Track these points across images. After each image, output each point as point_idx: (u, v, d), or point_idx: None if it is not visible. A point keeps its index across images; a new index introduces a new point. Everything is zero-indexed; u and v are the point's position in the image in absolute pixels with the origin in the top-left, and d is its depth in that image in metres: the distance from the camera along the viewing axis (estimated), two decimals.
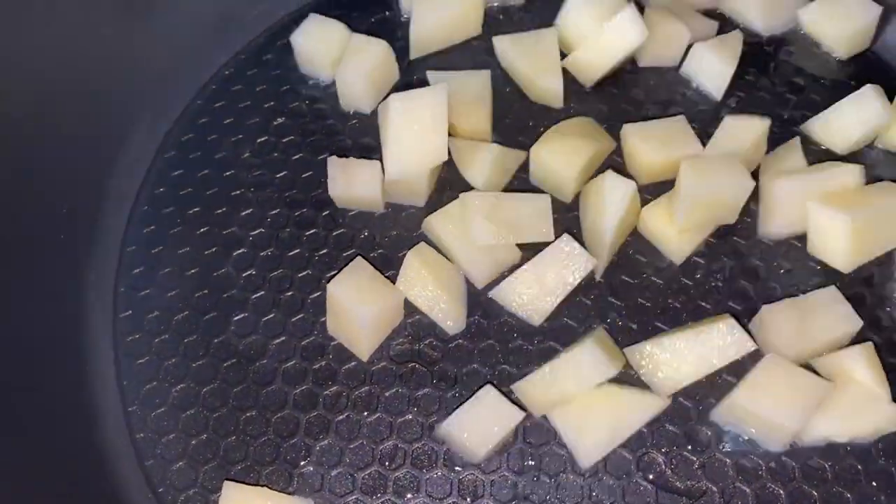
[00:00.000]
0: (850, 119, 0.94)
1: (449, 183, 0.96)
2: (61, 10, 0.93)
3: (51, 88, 0.92)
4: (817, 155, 0.96)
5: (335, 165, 0.93)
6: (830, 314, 0.80)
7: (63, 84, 0.94)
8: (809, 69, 1.05)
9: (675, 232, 0.87)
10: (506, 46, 1.02)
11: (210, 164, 1.01)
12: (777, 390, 0.75)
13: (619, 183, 0.86)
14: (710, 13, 1.09)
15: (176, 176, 1.00)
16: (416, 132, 0.88)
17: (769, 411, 0.75)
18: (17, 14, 0.88)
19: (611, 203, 0.86)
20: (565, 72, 1.02)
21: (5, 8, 0.86)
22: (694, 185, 0.84)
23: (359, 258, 0.88)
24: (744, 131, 0.91)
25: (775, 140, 0.96)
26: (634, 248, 0.91)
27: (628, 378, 0.82)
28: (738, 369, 0.82)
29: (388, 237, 0.94)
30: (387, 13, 1.13)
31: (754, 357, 0.80)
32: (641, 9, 1.02)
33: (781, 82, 1.03)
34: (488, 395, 0.79)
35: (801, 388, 0.75)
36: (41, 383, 0.84)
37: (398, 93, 0.88)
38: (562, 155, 0.91)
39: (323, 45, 1.04)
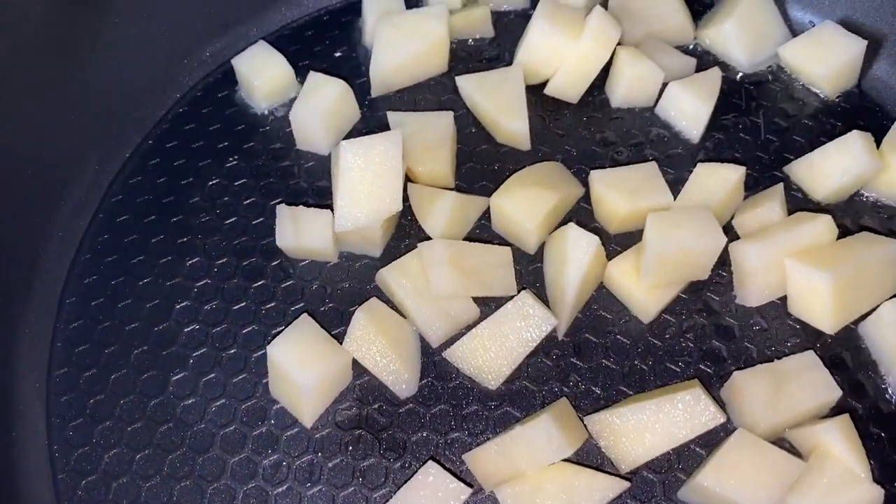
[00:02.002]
0: (834, 166, 0.89)
1: (407, 231, 0.91)
2: (3, 41, 0.89)
3: None
4: (798, 203, 0.91)
5: (284, 215, 0.88)
6: (807, 382, 0.74)
7: (2, 123, 0.89)
8: (792, 109, 0.99)
9: (643, 289, 0.81)
10: (470, 86, 0.97)
11: (157, 209, 0.96)
12: (746, 470, 0.69)
13: (582, 237, 0.81)
14: (688, 50, 1.04)
15: (121, 222, 0.95)
16: (369, 181, 0.83)
17: (738, 494, 0.69)
18: None
19: (574, 258, 0.81)
20: (534, 108, 0.96)
21: None
22: (660, 241, 0.78)
23: (304, 316, 0.83)
24: (717, 181, 0.86)
25: (755, 183, 0.91)
26: (600, 304, 0.85)
27: (589, 447, 0.76)
28: (708, 439, 0.76)
29: (341, 289, 0.89)
30: (350, 50, 1.08)
31: (726, 428, 0.75)
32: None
33: (763, 123, 0.98)
34: (432, 475, 0.73)
35: (772, 468, 0.69)
36: None
37: (350, 139, 0.83)
38: (523, 204, 0.86)
39: (261, 74, 1.01)
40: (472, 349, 0.81)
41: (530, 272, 0.88)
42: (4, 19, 0.89)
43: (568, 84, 0.98)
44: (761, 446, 0.70)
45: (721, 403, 0.78)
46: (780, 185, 0.89)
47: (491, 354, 0.80)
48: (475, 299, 0.84)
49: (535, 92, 1.00)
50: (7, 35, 0.89)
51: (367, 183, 0.83)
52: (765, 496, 0.69)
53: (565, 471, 0.72)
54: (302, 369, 0.77)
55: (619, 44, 0.97)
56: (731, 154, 0.95)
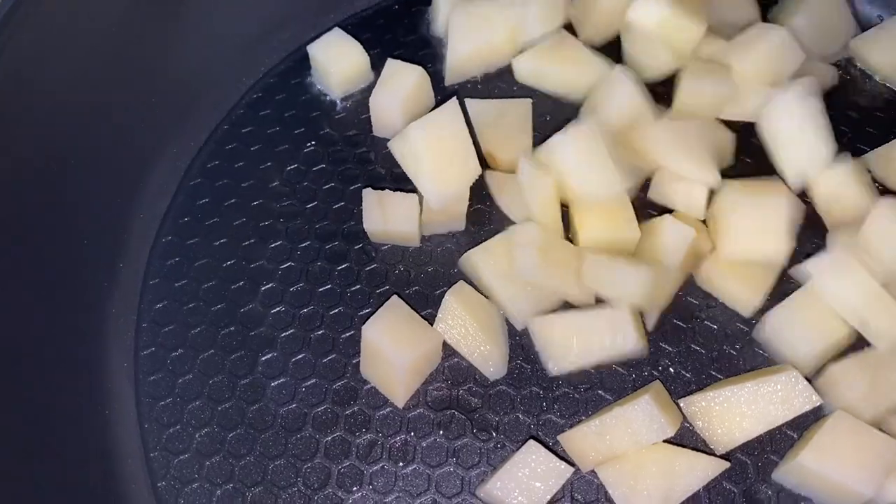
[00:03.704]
0: None
1: (487, 217, 0.92)
2: (86, 36, 0.89)
3: (75, 115, 0.88)
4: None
5: (371, 199, 0.88)
6: None
7: (87, 110, 0.90)
8: (864, 102, 1.00)
9: (741, 285, 0.82)
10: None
11: (237, 193, 0.96)
12: (847, 451, 0.70)
13: (679, 228, 0.81)
14: None
15: (201, 205, 0.96)
16: (447, 154, 0.85)
17: (839, 475, 0.70)
18: (40, 40, 0.83)
19: (671, 250, 0.81)
20: None
21: (31, 35, 0.82)
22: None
23: (395, 297, 0.83)
24: None
25: None
26: (685, 290, 0.86)
27: (683, 429, 0.77)
28: (799, 422, 0.77)
29: (424, 273, 0.89)
30: (420, 38, 1.09)
31: (815, 410, 0.75)
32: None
33: (835, 115, 0.98)
34: (534, 454, 0.73)
35: (873, 450, 0.70)
36: (59, 424, 0.79)
37: (414, 122, 0.84)
38: None
39: (337, 61, 1.01)
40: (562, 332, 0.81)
41: None
42: (89, 9, 0.89)
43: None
44: (862, 428, 0.71)
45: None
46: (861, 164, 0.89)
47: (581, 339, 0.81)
48: None
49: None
50: (90, 24, 0.90)
51: (445, 156, 0.85)
52: (866, 478, 0.69)
53: (665, 451, 0.73)
54: (396, 349, 0.78)
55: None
56: None
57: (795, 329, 0.78)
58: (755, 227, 0.80)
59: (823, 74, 0.99)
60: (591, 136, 0.82)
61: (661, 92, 0.97)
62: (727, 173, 0.88)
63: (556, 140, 0.84)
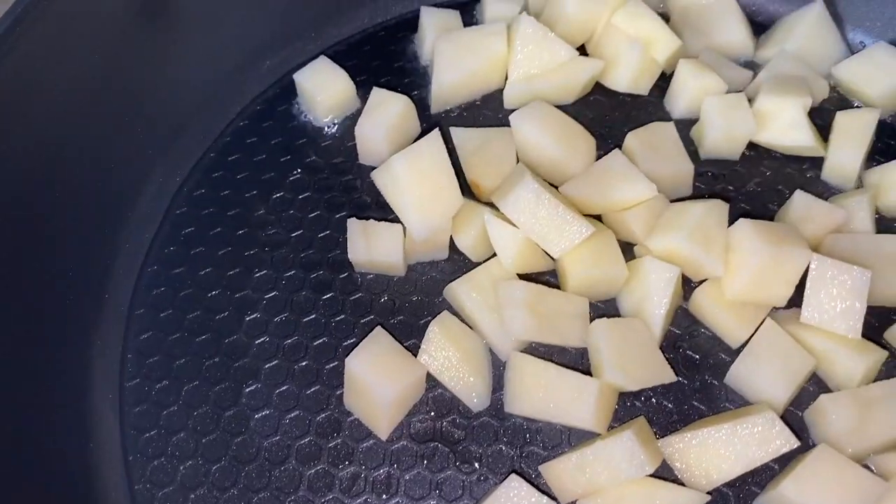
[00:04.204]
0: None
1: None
2: (70, 64, 0.89)
3: (60, 144, 0.88)
4: None
5: (355, 230, 0.89)
6: (894, 409, 0.75)
7: (71, 139, 0.90)
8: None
9: (733, 315, 0.82)
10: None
11: (223, 222, 0.97)
12: (828, 485, 0.70)
13: (662, 268, 0.82)
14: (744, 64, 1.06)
15: (187, 234, 0.96)
16: (429, 185, 0.85)
17: None
18: (24, 70, 0.84)
19: (657, 291, 0.82)
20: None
21: (14, 64, 0.82)
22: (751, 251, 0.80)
23: (378, 328, 0.83)
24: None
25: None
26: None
27: (664, 465, 0.77)
28: (781, 456, 0.76)
29: (409, 303, 0.89)
30: (407, 65, 1.09)
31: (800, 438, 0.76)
32: None
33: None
34: (516, 488, 0.73)
35: (854, 485, 0.70)
36: (43, 457, 0.79)
37: (397, 154, 0.85)
38: None
39: (323, 89, 1.02)
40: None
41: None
42: (72, 36, 0.89)
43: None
44: (844, 462, 0.71)
45: (804, 424, 0.79)
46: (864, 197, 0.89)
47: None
48: None
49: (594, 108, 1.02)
50: (75, 52, 0.90)
51: (427, 188, 0.85)
52: None
53: (646, 485, 0.73)
54: (380, 382, 0.78)
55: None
56: (787, 168, 0.97)
57: (763, 374, 0.78)
58: (770, 275, 0.79)
59: (819, 88, 1.00)
60: (536, 191, 0.82)
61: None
62: (748, 213, 0.91)
63: (508, 200, 0.84)
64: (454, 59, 1.01)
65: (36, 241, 0.85)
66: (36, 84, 0.86)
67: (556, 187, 0.90)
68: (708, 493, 0.75)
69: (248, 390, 0.85)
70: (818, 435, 0.77)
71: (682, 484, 0.75)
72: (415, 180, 0.85)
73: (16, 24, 0.82)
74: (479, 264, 0.89)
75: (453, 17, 1.08)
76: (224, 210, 0.98)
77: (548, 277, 0.90)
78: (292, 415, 0.83)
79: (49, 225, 0.87)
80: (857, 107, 1.02)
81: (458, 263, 0.92)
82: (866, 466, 0.74)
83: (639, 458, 0.71)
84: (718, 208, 0.85)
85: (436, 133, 0.86)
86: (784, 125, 0.94)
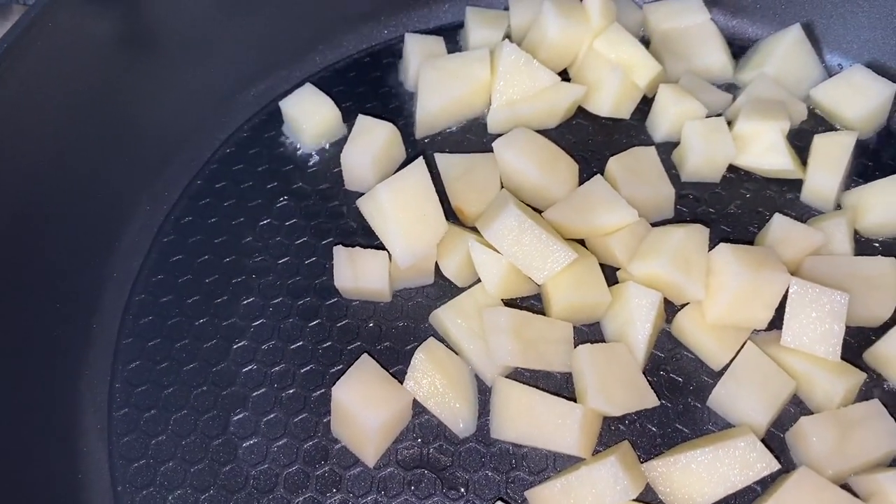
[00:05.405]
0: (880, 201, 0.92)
1: None
2: (56, 93, 0.90)
3: (46, 173, 0.89)
4: None
5: (341, 257, 0.90)
6: (873, 430, 0.76)
7: (57, 168, 0.91)
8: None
9: (715, 337, 0.83)
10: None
11: (210, 250, 0.98)
12: None
13: (644, 294, 0.83)
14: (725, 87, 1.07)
15: (174, 262, 0.97)
16: (413, 212, 0.86)
17: None
18: (10, 99, 0.85)
19: (639, 317, 0.83)
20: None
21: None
22: (733, 276, 0.81)
23: (365, 356, 0.84)
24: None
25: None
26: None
27: (648, 488, 0.78)
28: (763, 478, 0.77)
29: (395, 329, 0.90)
30: (392, 91, 1.11)
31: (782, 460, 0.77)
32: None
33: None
34: None
35: None
36: (31, 488, 0.80)
37: (381, 183, 0.86)
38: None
39: (309, 117, 1.03)
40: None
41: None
42: (58, 69, 0.90)
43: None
44: (824, 485, 0.72)
45: (786, 446, 0.80)
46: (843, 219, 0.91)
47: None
48: None
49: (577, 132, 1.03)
50: (62, 83, 0.91)
51: (412, 215, 0.86)
52: None
53: None
54: (367, 410, 0.79)
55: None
56: (766, 190, 0.98)
57: (744, 397, 0.79)
58: (750, 299, 0.81)
59: (798, 111, 1.02)
60: (519, 218, 0.83)
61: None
62: (728, 235, 0.93)
63: (492, 228, 0.85)
64: (438, 85, 1.02)
65: (23, 272, 0.85)
66: (22, 114, 0.86)
67: (540, 211, 0.91)
68: None
69: (236, 419, 0.85)
70: (799, 456, 0.79)
71: None
72: (399, 209, 0.86)
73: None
74: (464, 289, 0.90)
75: (437, 43, 1.09)
76: (211, 237, 0.98)
77: (532, 302, 0.91)
78: (280, 443, 0.84)
79: (36, 254, 0.87)
80: (836, 128, 1.04)
81: (443, 288, 0.93)
82: (846, 487, 0.75)
83: (623, 483, 0.72)
84: (699, 233, 0.86)
85: (420, 161, 0.87)
86: (763, 149, 0.95)
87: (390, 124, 0.98)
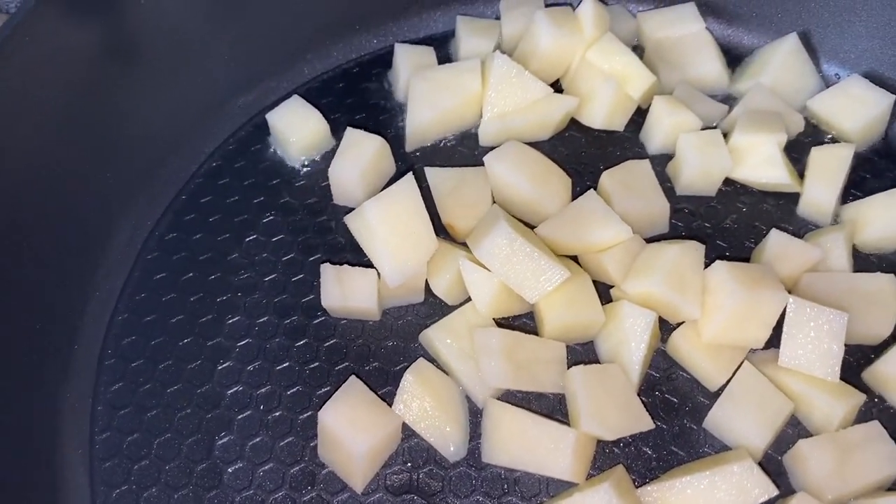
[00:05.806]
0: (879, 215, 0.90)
1: None
2: (39, 105, 0.88)
3: (27, 188, 0.86)
4: None
5: (329, 276, 0.87)
6: (873, 454, 0.74)
7: (39, 183, 0.88)
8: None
9: (711, 358, 0.82)
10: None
11: (195, 267, 0.95)
12: None
13: (639, 314, 0.81)
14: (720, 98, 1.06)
15: (158, 280, 0.95)
16: (402, 230, 0.84)
17: None
18: None
19: (634, 336, 0.81)
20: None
21: None
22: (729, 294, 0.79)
23: (352, 378, 0.82)
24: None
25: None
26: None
27: None
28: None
29: (384, 348, 0.88)
30: (381, 102, 1.09)
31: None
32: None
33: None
34: None
35: None
36: None
37: (369, 199, 0.84)
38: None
39: (296, 129, 1.01)
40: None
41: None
42: (40, 80, 0.88)
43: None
44: None
45: (783, 469, 0.78)
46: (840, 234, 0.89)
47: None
48: None
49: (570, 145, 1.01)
50: (43, 95, 0.89)
51: (401, 233, 0.84)
52: None
53: None
54: (354, 435, 0.77)
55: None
56: (763, 204, 0.96)
57: (741, 419, 0.78)
58: (746, 318, 0.79)
59: (794, 122, 1.00)
60: (510, 237, 0.81)
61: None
62: (724, 251, 0.92)
63: (483, 246, 0.83)
64: (429, 96, 1.00)
65: (3, 291, 0.83)
66: (5, 127, 0.84)
67: (532, 227, 0.90)
68: None
69: (220, 442, 0.83)
70: (797, 480, 0.77)
71: None
72: (388, 227, 0.83)
73: None
74: (456, 307, 0.88)
75: (427, 53, 1.07)
76: (196, 254, 0.96)
77: (524, 320, 0.89)
78: (266, 467, 0.81)
79: (16, 272, 0.85)
80: (833, 139, 1.02)
81: (434, 306, 0.91)
82: None
83: None
84: (694, 251, 0.84)
85: (409, 178, 0.85)
86: (759, 162, 0.94)
87: (379, 138, 0.96)
